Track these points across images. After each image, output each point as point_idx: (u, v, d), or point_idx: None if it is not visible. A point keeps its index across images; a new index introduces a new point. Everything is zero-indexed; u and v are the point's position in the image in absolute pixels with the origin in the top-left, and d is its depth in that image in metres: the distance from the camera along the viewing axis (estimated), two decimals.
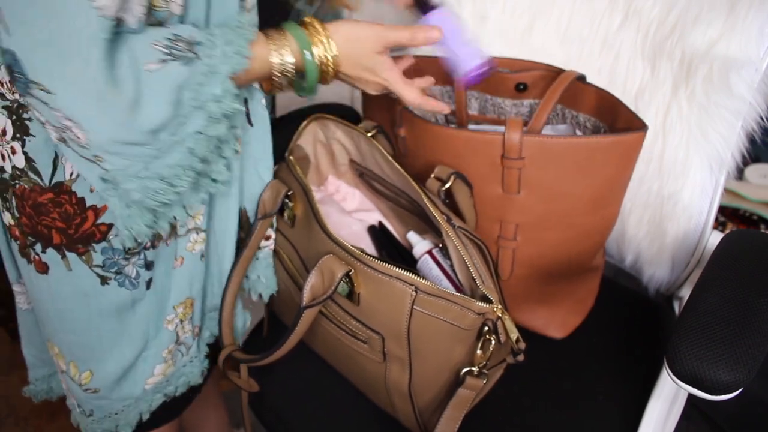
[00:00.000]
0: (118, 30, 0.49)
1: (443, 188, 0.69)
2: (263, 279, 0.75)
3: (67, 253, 0.60)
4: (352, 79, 0.65)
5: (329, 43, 0.60)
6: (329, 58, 0.60)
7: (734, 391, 0.54)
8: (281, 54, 0.59)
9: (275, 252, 0.76)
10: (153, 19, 0.52)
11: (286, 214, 0.73)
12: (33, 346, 0.77)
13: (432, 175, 0.71)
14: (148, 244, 0.63)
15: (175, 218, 0.59)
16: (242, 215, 0.72)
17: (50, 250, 0.60)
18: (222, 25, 0.55)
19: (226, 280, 0.72)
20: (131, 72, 0.49)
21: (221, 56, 0.53)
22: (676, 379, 0.56)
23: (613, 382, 0.74)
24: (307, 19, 0.61)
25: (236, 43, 0.54)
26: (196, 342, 0.72)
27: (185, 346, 0.70)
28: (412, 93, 0.65)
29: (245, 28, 0.56)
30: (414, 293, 0.58)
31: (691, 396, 0.60)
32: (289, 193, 0.71)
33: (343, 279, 0.61)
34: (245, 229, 0.73)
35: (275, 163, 0.75)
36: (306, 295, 0.61)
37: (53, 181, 0.57)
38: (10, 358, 1.45)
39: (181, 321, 0.68)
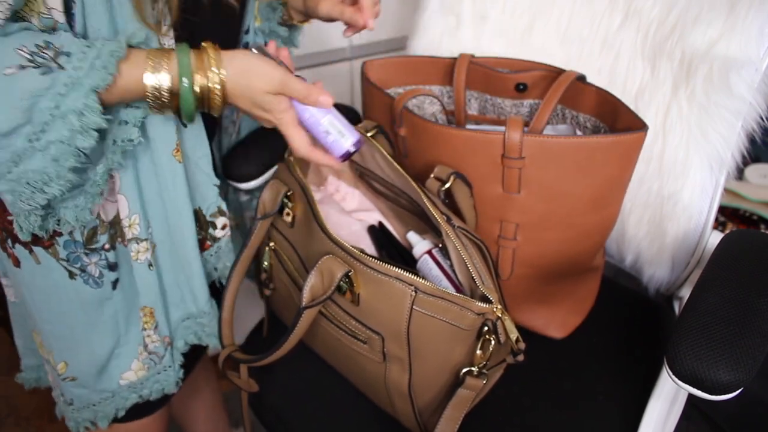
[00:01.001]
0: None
1: (443, 188, 0.69)
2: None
3: (34, 248, 0.62)
4: (243, 111, 0.62)
5: (218, 72, 0.56)
6: (215, 87, 0.57)
7: (734, 391, 0.54)
8: (157, 77, 0.55)
9: (275, 252, 0.76)
10: (40, 24, 0.52)
11: (285, 214, 0.73)
12: (22, 336, 0.79)
13: (432, 175, 0.71)
14: (107, 245, 0.64)
15: (68, 220, 0.58)
16: (198, 216, 0.71)
17: (18, 246, 0.62)
18: (106, 40, 0.54)
19: (203, 295, 0.72)
20: None
21: (88, 69, 0.51)
22: (676, 379, 0.56)
23: (613, 382, 0.74)
24: (204, 44, 0.58)
25: (103, 58, 0.52)
26: (169, 351, 0.72)
27: (156, 355, 0.71)
28: (300, 141, 0.61)
29: (120, 44, 0.53)
30: (413, 293, 0.58)
31: (691, 396, 0.60)
32: (288, 194, 0.71)
33: (343, 279, 0.61)
34: (204, 229, 0.72)
35: (275, 164, 0.75)
36: (306, 296, 0.61)
37: None
38: (11, 358, 1.45)
39: (145, 329, 0.69)
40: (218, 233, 0.73)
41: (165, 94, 0.55)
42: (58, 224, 0.59)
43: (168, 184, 0.64)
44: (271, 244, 0.76)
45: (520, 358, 0.63)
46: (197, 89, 0.56)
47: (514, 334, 0.59)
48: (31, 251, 0.62)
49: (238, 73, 0.58)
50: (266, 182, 0.84)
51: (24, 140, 0.50)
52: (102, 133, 0.55)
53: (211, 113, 0.59)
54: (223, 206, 0.72)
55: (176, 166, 0.64)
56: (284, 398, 0.77)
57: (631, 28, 0.78)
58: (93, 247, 0.63)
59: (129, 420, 0.74)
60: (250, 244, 0.72)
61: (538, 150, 0.67)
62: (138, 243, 0.64)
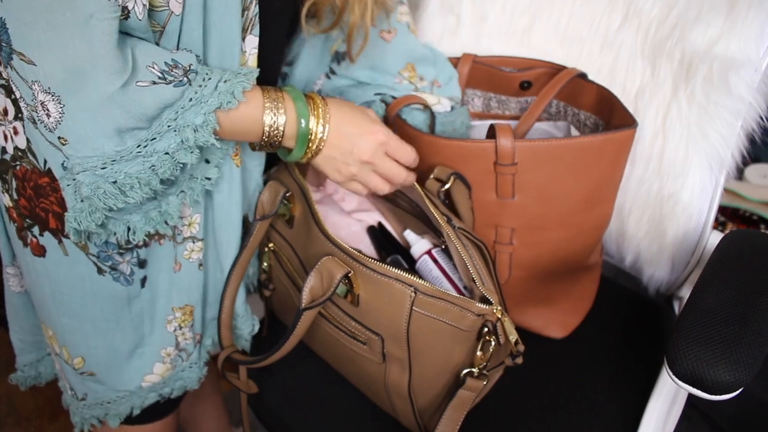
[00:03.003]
0: (122, 22, 0.49)
1: (443, 189, 0.69)
2: None
3: (64, 239, 0.60)
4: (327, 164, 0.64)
5: (325, 123, 0.61)
6: (319, 135, 0.61)
7: (734, 391, 0.54)
8: (275, 114, 0.58)
9: (275, 252, 0.76)
10: (153, 22, 0.52)
11: (283, 215, 0.73)
12: (21, 330, 0.75)
13: (431, 176, 0.71)
14: (141, 242, 0.62)
15: (128, 228, 0.58)
16: (245, 222, 0.72)
17: (47, 234, 0.61)
18: (224, 69, 0.56)
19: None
20: (125, 75, 0.49)
21: (212, 90, 0.53)
22: (676, 379, 0.56)
23: (613, 382, 0.74)
24: (311, 94, 0.61)
25: (232, 83, 0.54)
26: (198, 349, 0.72)
27: (186, 352, 0.70)
28: (400, 172, 0.66)
29: (246, 74, 0.56)
30: (413, 294, 0.58)
31: (691, 396, 0.60)
32: (287, 194, 0.71)
33: (342, 280, 0.61)
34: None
35: (274, 164, 0.75)
36: (305, 297, 0.61)
37: (47, 165, 0.57)
38: (11, 358, 1.45)
39: (181, 327, 0.68)
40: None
41: (280, 132, 0.59)
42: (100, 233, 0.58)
43: (223, 186, 0.64)
44: (270, 245, 0.76)
45: (519, 360, 0.63)
46: (309, 133, 0.60)
47: (513, 336, 0.59)
48: (60, 241, 0.61)
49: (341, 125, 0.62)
50: None
51: (135, 143, 0.51)
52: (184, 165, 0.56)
53: (302, 160, 0.62)
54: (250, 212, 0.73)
55: (234, 170, 0.64)
56: (284, 399, 0.77)
57: (631, 28, 0.78)
58: (128, 246, 0.62)
59: (141, 423, 0.73)
60: (249, 246, 0.71)
61: (531, 154, 0.67)
62: (194, 242, 0.65)
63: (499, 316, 0.58)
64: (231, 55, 0.58)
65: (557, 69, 0.78)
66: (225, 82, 0.54)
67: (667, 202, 0.77)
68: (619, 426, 0.70)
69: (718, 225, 1.12)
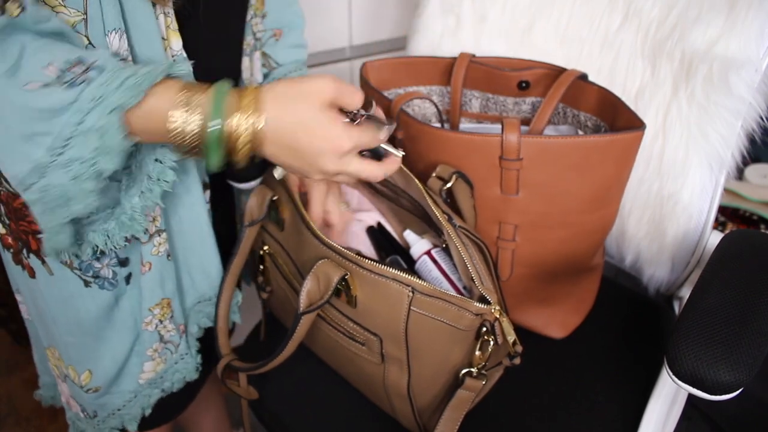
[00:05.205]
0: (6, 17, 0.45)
1: (445, 187, 0.69)
2: None
3: (46, 259, 0.60)
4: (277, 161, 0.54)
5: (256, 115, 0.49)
6: (247, 132, 0.50)
7: (734, 391, 0.54)
8: (186, 113, 0.48)
9: (270, 255, 0.76)
10: (73, 10, 0.49)
11: (275, 220, 0.72)
12: (37, 354, 0.78)
13: (434, 174, 0.71)
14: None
15: (98, 244, 0.56)
16: (215, 195, 0.70)
17: (32, 256, 0.60)
18: (151, 62, 0.52)
19: (217, 275, 0.71)
20: (6, 80, 0.45)
21: (117, 86, 0.47)
22: (676, 379, 0.56)
23: (613, 382, 0.74)
24: (246, 87, 0.52)
25: (142, 77, 0.48)
26: (184, 339, 0.71)
27: (172, 344, 0.70)
28: (373, 170, 0.56)
29: (156, 68, 0.49)
30: (411, 294, 0.58)
31: (691, 396, 0.60)
32: (273, 198, 0.70)
33: (340, 283, 0.60)
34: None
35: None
36: (303, 301, 0.61)
37: None
38: (11, 358, 1.45)
39: (161, 321, 0.68)
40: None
41: (189, 137, 0.49)
42: (81, 248, 0.57)
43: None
44: (266, 247, 0.76)
45: (517, 361, 0.63)
46: (226, 134, 0.49)
47: (511, 337, 0.59)
48: (43, 262, 0.60)
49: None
50: None
51: (45, 152, 0.47)
52: (136, 164, 0.52)
53: (234, 163, 0.53)
54: (206, 179, 0.70)
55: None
56: (284, 400, 0.77)
57: (631, 28, 0.78)
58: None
59: (154, 426, 0.73)
60: (239, 253, 0.71)
61: (537, 151, 0.67)
62: (160, 235, 0.63)
63: (497, 316, 0.58)
64: (149, 30, 0.54)
65: (555, 69, 0.78)
66: (135, 76, 0.47)
67: (667, 202, 0.77)
68: (619, 426, 0.70)
69: (718, 225, 1.12)
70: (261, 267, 0.77)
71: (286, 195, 0.70)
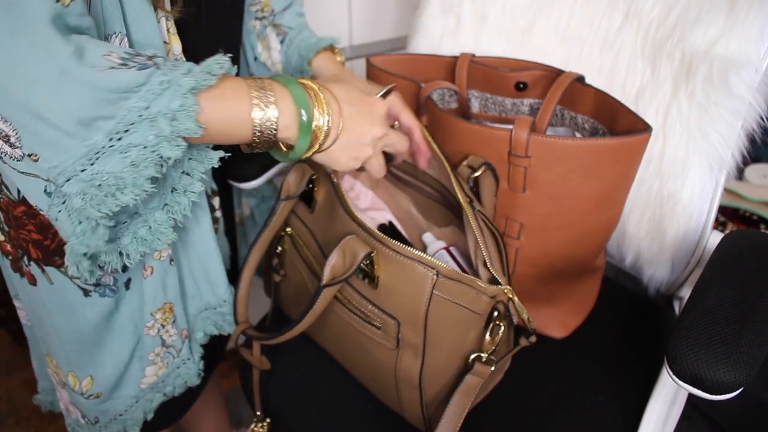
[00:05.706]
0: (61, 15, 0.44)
1: (473, 176, 0.70)
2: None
3: (45, 268, 0.59)
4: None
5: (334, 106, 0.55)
6: (326, 126, 0.55)
7: (734, 391, 0.54)
8: (264, 104, 0.50)
9: (291, 237, 0.75)
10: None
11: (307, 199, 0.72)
12: (36, 359, 0.77)
13: (464, 163, 0.72)
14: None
15: (121, 253, 0.54)
16: (225, 197, 0.71)
17: (32, 264, 0.60)
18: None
19: (221, 284, 0.71)
20: (74, 61, 0.43)
21: (186, 71, 0.47)
22: (676, 379, 0.56)
23: (613, 382, 0.74)
24: (302, 80, 0.55)
25: (206, 65, 0.48)
26: (187, 344, 0.71)
27: (174, 348, 0.70)
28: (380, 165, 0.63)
29: (219, 60, 0.50)
30: (435, 277, 0.58)
31: (691, 396, 0.60)
32: (313, 177, 0.71)
33: (364, 261, 0.61)
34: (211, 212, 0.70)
35: (276, 164, 0.74)
36: (326, 274, 0.61)
37: (20, 195, 0.55)
38: (11, 358, 1.45)
39: (163, 325, 0.67)
40: (217, 214, 0.73)
41: (274, 126, 0.51)
42: (120, 256, 0.55)
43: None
44: (288, 229, 0.76)
45: (533, 339, 0.63)
46: (315, 126, 0.54)
47: (525, 314, 0.60)
48: (43, 270, 0.59)
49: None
50: (266, 183, 0.84)
51: (104, 137, 0.45)
52: (164, 177, 0.52)
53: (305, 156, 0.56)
54: (215, 186, 0.71)
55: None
56: (286, 398, 0.77)
57: (631, 29, 0.78)
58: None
59: (155, 430, 0.73)
60: (272, 224, 0.71)
61: (545, 150, 0.67)
62: None
63: (510, 296, 0.59)
64: (147, 24, 0.54)
65: (552, 71, 0.78)
66: (202, 65, 0.48)
67: (667, 202, 0.77)
68: (619, 426, 0.70)
69: (718, 225, 1.12)
70: (278, 249, 0.77)
71: (325, 174, 0.71)
